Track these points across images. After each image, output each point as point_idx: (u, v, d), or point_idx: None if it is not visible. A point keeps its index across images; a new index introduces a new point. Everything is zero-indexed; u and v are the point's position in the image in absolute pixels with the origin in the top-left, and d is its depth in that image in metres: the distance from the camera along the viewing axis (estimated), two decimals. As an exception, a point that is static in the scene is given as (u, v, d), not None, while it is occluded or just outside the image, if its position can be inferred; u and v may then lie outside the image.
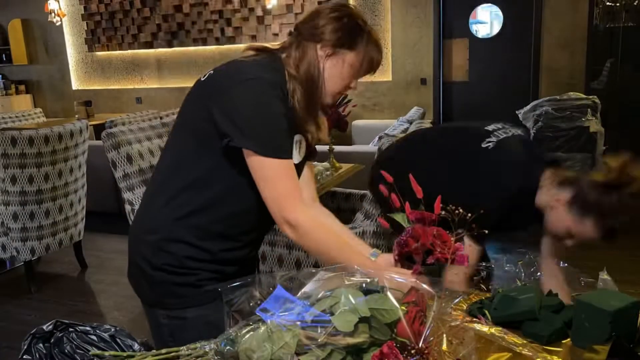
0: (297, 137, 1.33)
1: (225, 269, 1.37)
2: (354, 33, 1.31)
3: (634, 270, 3.42)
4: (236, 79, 1.26)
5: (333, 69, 1.31)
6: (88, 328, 1.10)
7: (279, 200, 1.25)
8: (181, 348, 1.05)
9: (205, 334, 1.07)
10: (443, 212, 1.16)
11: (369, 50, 1.32)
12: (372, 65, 1.35)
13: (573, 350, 1.13)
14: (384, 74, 5.88)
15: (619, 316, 1.06)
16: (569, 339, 1.16)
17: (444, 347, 0.98)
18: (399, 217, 1.19)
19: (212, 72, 1.33)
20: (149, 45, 6.79)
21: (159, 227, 1.34)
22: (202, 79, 1.34)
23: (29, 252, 3.51)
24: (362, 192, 3.07)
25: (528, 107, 4.17)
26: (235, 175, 1.29)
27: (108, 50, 7.07)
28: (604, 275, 1.29)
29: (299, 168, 1.38)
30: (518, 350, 1.08)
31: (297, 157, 1.34)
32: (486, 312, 1.24)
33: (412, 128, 3.28)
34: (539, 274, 1.38)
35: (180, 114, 1.38)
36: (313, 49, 1.30)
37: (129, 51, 6.97)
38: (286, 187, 1.25)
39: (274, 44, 1.39)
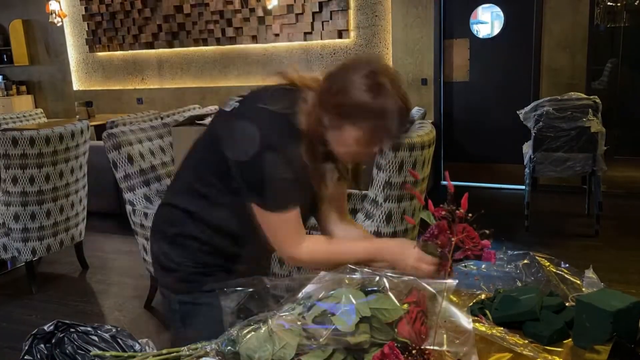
0: (329, 166, 1.34)
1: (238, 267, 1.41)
2: (359, 107, 1.16)
3: (634, 270, 3.42)
4: (254, 144, 1.21)
5: (339, 140, 1.22)
6: (89, 328, 1.10)
7: (279, 244, 1.34)
8: (182, 348, 1.05)
9: (212, 321, 1.12)
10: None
11: (382, 126, 1.16)
12: (383, 140, 1.22)
13: (574, 351, 1.13)
14: (384, 74, 5.87)
15: (620, 316, 1.06)
16: (570, 339, 1.16)
17: (444, 347, 0.98)
18: (424, 215, 1.21)
19: (236, 105, 1.31)
20: (149, 45, 6.79)
21: (176, 221, 1.40)
22: (227, 110, 1.32)
23: (30, 252, 3.51)
24: (363, 192, 3.07)
25: (529, 107, 4.16)
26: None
27: (109, 51, 7.07)
28: (589, 274, 1.29)
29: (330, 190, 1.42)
30: (519, 351, 1.07)
31: (330, 185, 1.37)
32: (487, 312, 1.24)
33: (413, 128, 3.27)
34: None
35: (208, 128, 1.40)
36: (319, 114, 1.21)
37: (130, 52, 6.97)
38: (285, 234, 1.32)
39: (303, 78, 1.29)
